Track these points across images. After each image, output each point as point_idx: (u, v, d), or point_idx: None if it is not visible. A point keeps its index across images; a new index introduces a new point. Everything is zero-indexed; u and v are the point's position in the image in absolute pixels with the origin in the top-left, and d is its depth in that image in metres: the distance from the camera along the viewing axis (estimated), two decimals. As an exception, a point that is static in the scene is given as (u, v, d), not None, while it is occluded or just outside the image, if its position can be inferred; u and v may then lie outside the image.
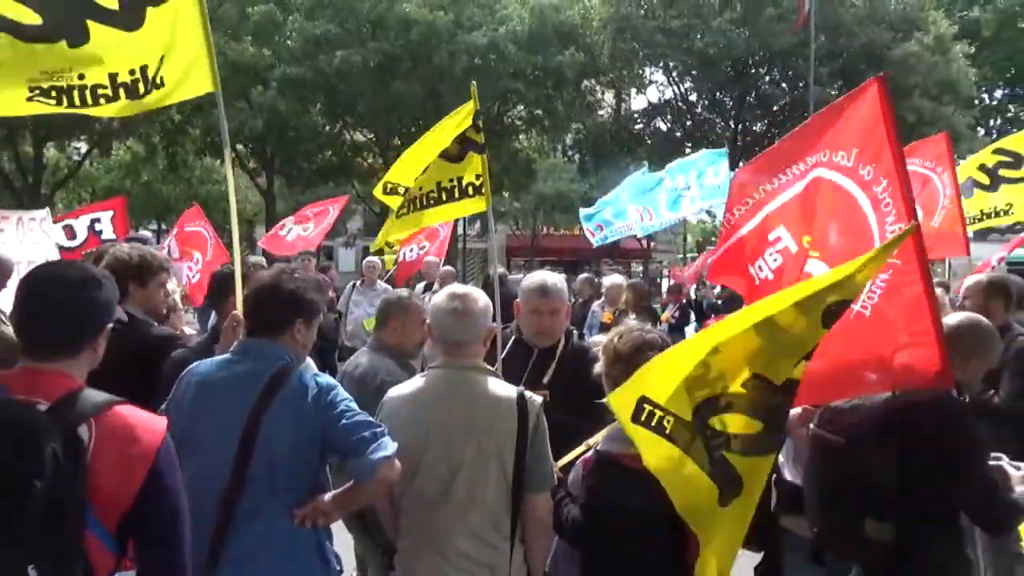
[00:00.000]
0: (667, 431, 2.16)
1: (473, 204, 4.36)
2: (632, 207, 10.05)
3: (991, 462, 2.57)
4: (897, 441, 2.52)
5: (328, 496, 2.27)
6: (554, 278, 3.37)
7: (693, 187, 9.63)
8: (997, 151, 7.23)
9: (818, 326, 2.19)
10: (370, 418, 2.26)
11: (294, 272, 2.44)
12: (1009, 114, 31.15)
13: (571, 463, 2.70)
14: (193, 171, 27.04)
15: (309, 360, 2.46)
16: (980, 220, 7.10)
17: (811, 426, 2.78)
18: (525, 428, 2.37)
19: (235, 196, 3.55)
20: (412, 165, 4.81)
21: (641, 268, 33.76)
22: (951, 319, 2.73)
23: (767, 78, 25.89)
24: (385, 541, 2.64)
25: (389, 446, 2.16)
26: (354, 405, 2.27)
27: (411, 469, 2.35)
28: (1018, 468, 2.57)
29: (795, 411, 2.79)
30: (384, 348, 3.34)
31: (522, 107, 24.03)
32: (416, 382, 2.53)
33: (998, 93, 31.41)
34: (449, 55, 20.33)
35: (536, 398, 2.46)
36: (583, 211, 11.25)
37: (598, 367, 2.69)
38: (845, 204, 2.81)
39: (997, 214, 7.09)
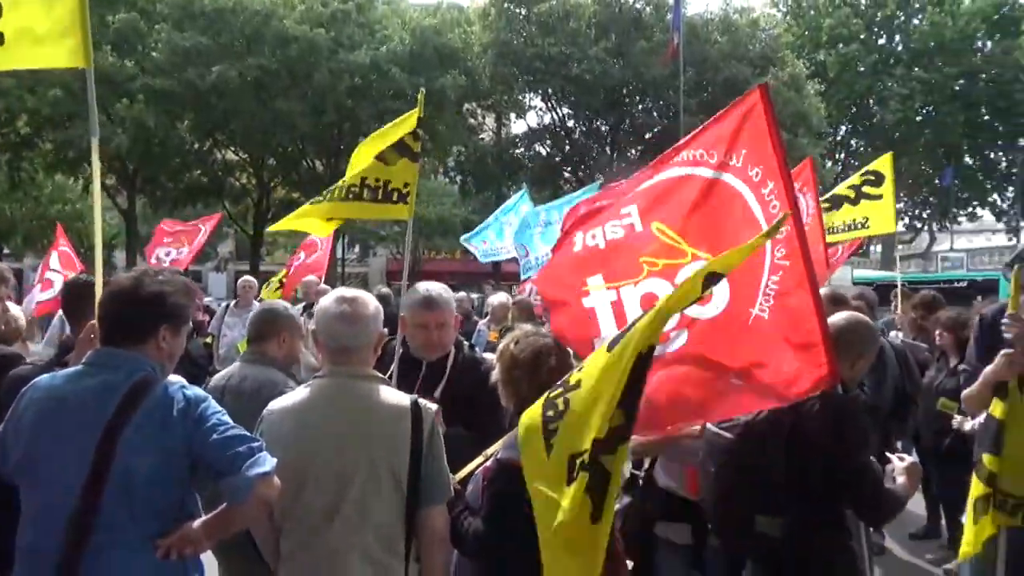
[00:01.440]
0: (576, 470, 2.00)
1: (395, 210, 4.14)
2: (512, 241, 10.16)
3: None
4: (787, 439, 2.56)
5: (197, 523, 2.02)
6: (438, 288, 3.20)
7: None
8: (865, 173, 7.97)
9: (697, 289, 2.06)
10: (245, 432, 2.03)
11: (158, 273, 2.18)
12: (852, 148, 34.08)
13: (469, 476, 2.57)
14: (43, 189, 24.94)
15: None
16: (837, 231, 7.71)
17: (708, 426, 2.78)
18: (420, 437, 2.21)
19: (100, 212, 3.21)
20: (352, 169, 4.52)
21: (520, 297, 34.16)
22: (835, 319, 2.80)
23: (640, 107, 27.08)
24: (263, 570, 2.38)
25: (267, 462, 1.95)
26: (227, 419, 2.03)
27: (295, 486, 2.13)
28: (902, 459, 2.67)
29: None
30: (265, 361, 3.09)
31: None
32: (300, 392, 2.31)
33: (842, 128, 34.34)
34: (330, 73, 19.90)
35: (431, 406, 2.31)
36: (463, 237, 11.30)
37: (495, 375, 2.59)
38: (736, 205, 2.84)
39: (854, 227, 7.75)
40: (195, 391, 2.08)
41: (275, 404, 2.31)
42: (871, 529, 3.96)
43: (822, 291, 4.48)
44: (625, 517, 3.07)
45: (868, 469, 2.55)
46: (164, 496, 1.99)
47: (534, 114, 29.21)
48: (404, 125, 4.20)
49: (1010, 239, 33.86)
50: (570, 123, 28.55)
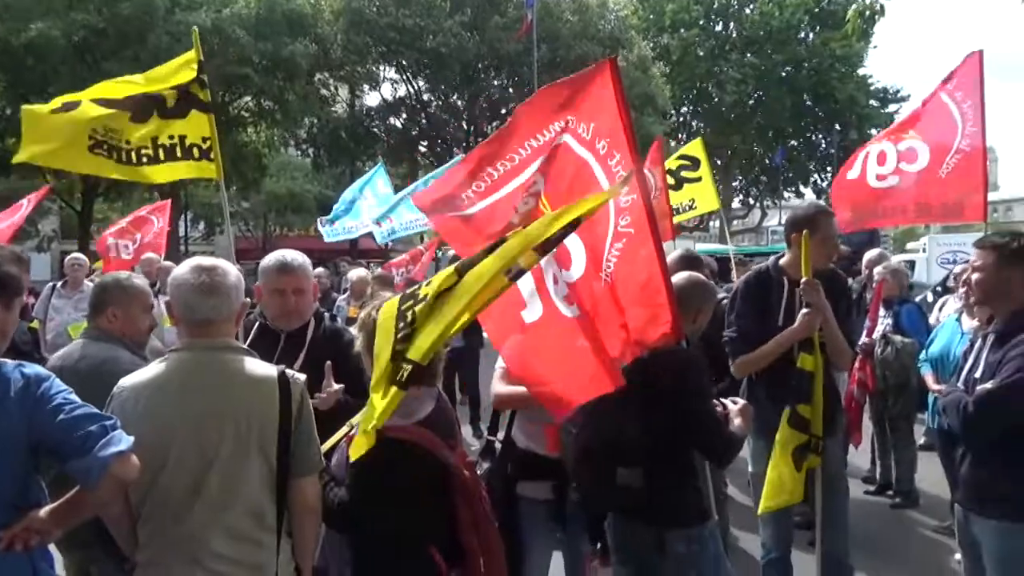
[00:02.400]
0: (403, 379, 2.15)
1: (200, 168, 3.94)
2: (370, 213, 10.06)
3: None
4: (640, 394, 2.73)
5: (44, 510, 1.88)
6: (293, 254, 3.16)
7: None
8: (680, 157, 8.64)
9: (554, 228, 2.19)
10: (96, 411, 1.90)
11: (-17, 243, 1.97)
12: (693, 129, 36.18)
13: (334, 448, 2.55)
14: None
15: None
16: (678, 213, 8.37)
17: None
18: (289, 409, 2.16)
19: None
20: (108, 93, 4.08)
21: (379, 271, 33.70)
22: (676, 279, 2.98)
23: (496, 82, 27.27)
24: (119, 559, 2.25)
25: (123, 440, 1.84)
26: (74, 397, 1.90)
27: (154, 467, 2.02)
28: (735, 403, 2.93)
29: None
30: (105, 337, 2.86)
31: (250, 97, 22.61)
32: (155, 367, 2.18)
33: (684, 110, 36.35)
34: (167, 35, 18.42)
35: (299, 376, 2.26)
36: (320, 221, 11.02)
37: (358, 344, 2.57)
38: (584, 175, 2.93)
39: (685, 208, 8.56)
40: (35, 369, 1.92)
41: (127, 381, 2.17)
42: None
43: (678, 252, 4.80)
44: (487, 480, 3.14)
45: (712, 414, 2.79)
46: (3, 484, 1.83)
47: (389, 86, 28.70)
48: (181, 72, 3.97)
49: (829, 214, 37.40)
50: (426, 97, 28.28)
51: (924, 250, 12.85)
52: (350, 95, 28.30)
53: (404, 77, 27.53)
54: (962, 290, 5.09)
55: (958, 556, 4.63)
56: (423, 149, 29.03)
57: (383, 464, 2.28)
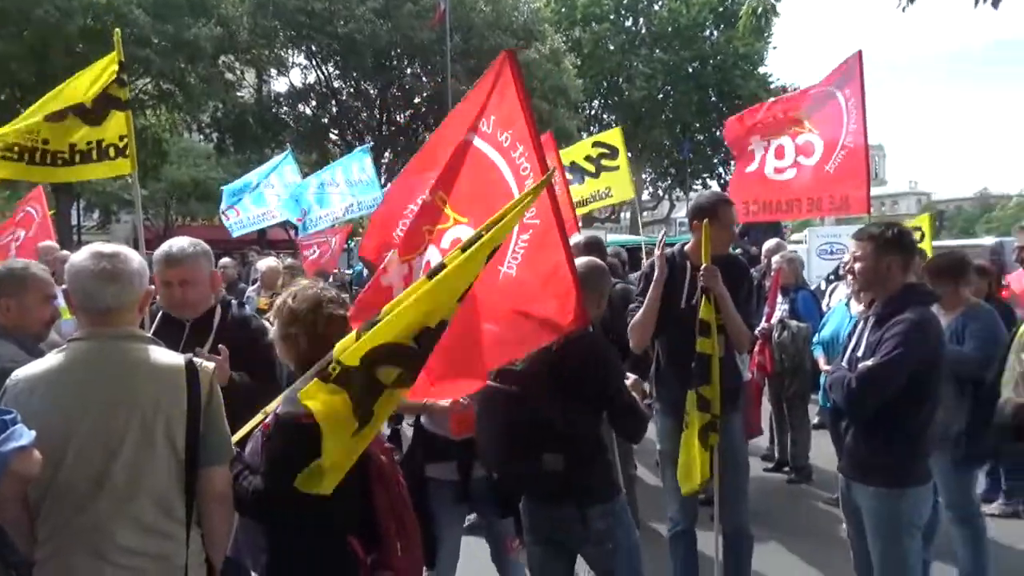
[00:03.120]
0: (331, 378, 2.13)
1: (116, 166, 3.90)
2: (278, 202, 9.85)
3: None
4: (563, 381, 2.81)
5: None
6: (183, 243, 3.07)
7: (341, 184, 9.76)
8: (596, 144, 8.76)
9: (480, 262, 2.22)
10: None
11: None
12: (604, 122, 36.86)
13: (247, 437, 2.52)
14: None
15: None
16: (588, 203, 8.47)
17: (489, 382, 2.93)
18: (197, 397, 2.11)
19: None
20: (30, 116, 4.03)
21: (289, 260, 32.86)
22: (578, 264, 3.02)
23: (408, 71, 26.96)
24: (16, 558, 2.15)
25: (24, 435, 1.77)
26: None
27: (54, 461, 1.94)
28: (628, 378, 3.06)
29: None
30: (-4, 331, 2.71)
31: (149, 79, 21.54)
32: (53, 359, 2.09)
33: (596, 103, 36.97)
34: (57, 11, 17.28)
35: (208, 364, 2.21)
36: (226, 188, 10.60)
37: (273, 332, 2.54)
38: (488, 170, 2.97)
39: (601, 196, 8.61)
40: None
41: (21, 372, 2.08)
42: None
43: (581, 238, 4.92)
44: (399, 465, 3.23)
45: (630, 395, 2.92)
46: None
47: (298, 72, 27.92)
48: (102, 74, 3.96)
49: (731, 206, 38.97)
50: (337, 84, 27.67)
51: (805, 241, 13.60)
52: (257, 80, 27.37)
53: (313, 63, 26.85)
54: (850, 277, 5.46)
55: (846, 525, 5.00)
56: (334, 137, 28.40)
57: (299, 452, 2.27)
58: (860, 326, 3.21)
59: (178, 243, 3.05)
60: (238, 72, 25.04)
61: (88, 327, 2.12)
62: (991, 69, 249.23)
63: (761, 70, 36.12)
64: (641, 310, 3.67)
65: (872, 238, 3.09)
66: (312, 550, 2.35)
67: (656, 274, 3.62)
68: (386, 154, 28.12)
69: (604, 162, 8.49)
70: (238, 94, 25.59)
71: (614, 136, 8.62)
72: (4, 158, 3.77)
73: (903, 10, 5.39)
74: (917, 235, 6.90)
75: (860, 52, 5.54)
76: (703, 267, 3.46)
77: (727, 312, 3.52)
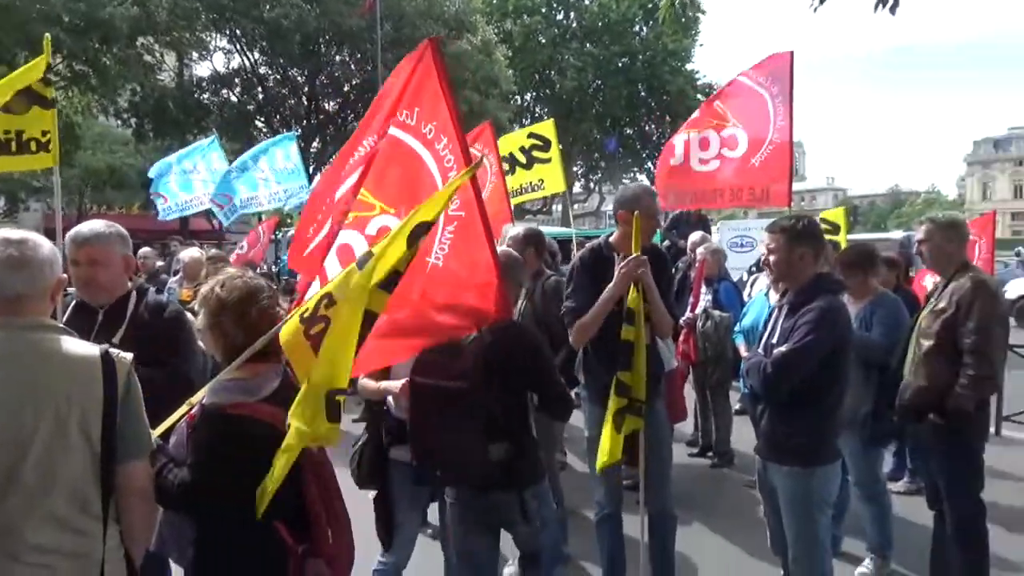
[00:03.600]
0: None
1: (37, 160, 3.94)
2: (205, 189, 9.58)
3: None
4: (490, 372, 2.85)
5: None
6: (96, 225, 3.03)
7: (266, 171, 9.56)
8: (531, 135, 8.79)
9: (401, 246, 2.29)
10: None
11: None
12: (536, 114, 37.07)
13: (170, 430, 2.46)
14: None
15: None
16: (520, 193, 8.52)
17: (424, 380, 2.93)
18: (114, 389, 2.04)
19: None
20: None
21: (213, 251, 31.90)
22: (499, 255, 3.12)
23: (337, 58, 26.47)
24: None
25: None
26: None
27: (-42, 458, 1.86)
28: None
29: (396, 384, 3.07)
30: None
31: (60, 59, 20.46)
32: (-44, 349, 1.99)
33: (528, 95, 37.14)
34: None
35: (126, 356, 2.14)
36: (153, 169, 10.23)
37: (199, 321, 2.48)
38: (412, 162, 2.96)
39: (533, 188, 8.66)
40: None
41: (-78, 364, 1.97)
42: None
43: (521, 230, 4.96)
44: (362, 447, 3.45)
45: (554, 381, 2.99)
46: None
47: (222, 57, 27.03)
48: (30, 73, 3.99)
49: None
50: (263, 70, 26.93)
51: (718, 233, 14.11)
52: (178, 64, 26.35)
53: (238, 47, 26.03)
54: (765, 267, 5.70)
55: (764, 505, 5.21)
56: (260, 125, 27.63)
57: (226, 442, 2.24)
58: (775, 314, 3.36)
59: (91, 224, 2.99)
60: (157, 55, 24.05)
61: (-5, 316, 2.02)
62: (896, 73, 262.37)
63: (689, 67, 36.98)
64: (590, 314, 3.65)
65: (784, 230, 3.23)
66: (241, 540, 2.32)
67: (612, 290, 3.59)
68: (315, 143, 27.56)
69: (536, 154, 8.54)
70: (158, 78, 24.57)
71: (547, 128, 8.66)
72: None
73: (814, 10, 5.58)
74: (833, 229, 7.24)
75: (791, 53, 5.75)
76: (633, 257, 3.54)
77: (653, 300, 3.61)
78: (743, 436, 6.49)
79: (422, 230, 2.32)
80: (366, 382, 3.31)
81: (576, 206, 33.72)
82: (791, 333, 3.08)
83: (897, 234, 16.00)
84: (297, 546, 2.41)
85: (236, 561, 2.32)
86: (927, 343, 3.65)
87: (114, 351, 2.13)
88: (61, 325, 2.16)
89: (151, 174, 10.18)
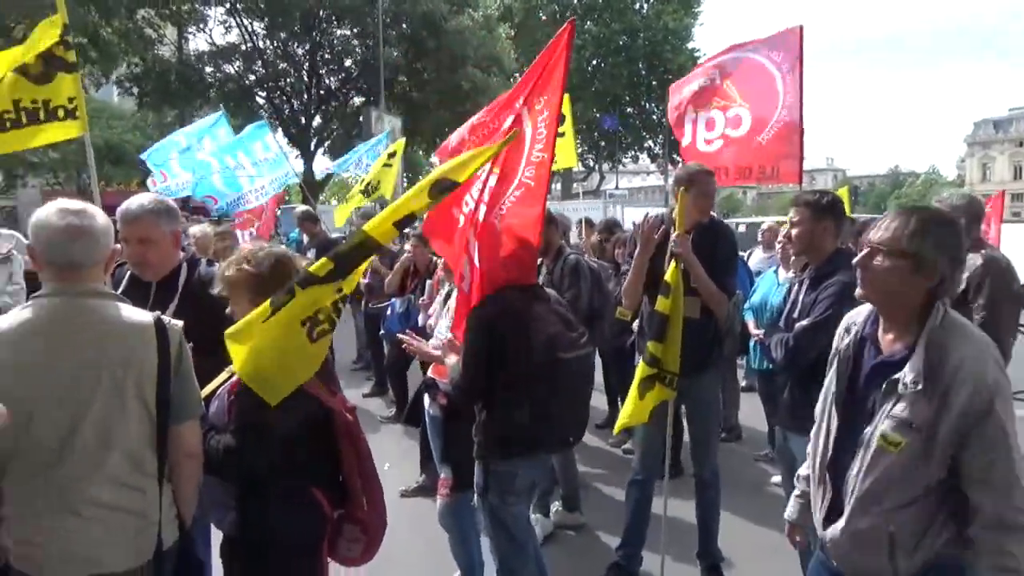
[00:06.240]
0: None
1: (65, 129, 3.87)
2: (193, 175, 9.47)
3: None
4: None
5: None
6: (141, 200, 3.02)
7: (247, 167, 9.47)
8: None
9: (423, 194, 2.48)
10: None
11: None
12: (537, 91, 36.82)
13: (211, 396, 2.52)
14: None
15: None
16: None
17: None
18: (167, 354, 2.11)
19: None
20: None
21: (220, 227, 31.74)
22: None
23: (338, 32, 26.26)
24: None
25: None
26: None
27: (23, 419, 1.92)
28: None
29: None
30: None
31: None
32: (18, 315, 2.04)
33: (528, 72, 36.88)
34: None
35: (176, 323, 2.21)
36: (149, 150, 10.10)
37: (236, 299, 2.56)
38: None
39: None
40: None
41: (-17, 329, 2.03)
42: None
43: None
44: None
45: (519, 360, 3.04)
46: None
47: (222, 30, 26.81)
48: (46, 36, 3.91)
49: (662, 179, 39.73)
50: (263, 44, 26.71)
51: None
52: (178, 37, 26.11)
53: (237, 21, 25.79)
54: (778, 244, 5.74)
55: (775, 479, 5.31)
56: (260, 99, 27.45)
57: (267, 410, 2.31)
58: (795, 289, 3.42)
59: (140, 199, 2.99)
60: (158, 29, 23.84)
61: (55, 283, 2.08)
62: (896, 54, 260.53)
63: (690, 45, 36.74)
64: (629, 279, 3.89)
65: (808, 204, 3.28)
66: (281, 506, 2.40)
67: (640, 247, 3.79)
68: (316, 118, 27.41)
69: None
70: (159, 52, 24.37)
71: (563, 103, 8.61)
72: None
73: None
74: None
75: (801, 27, 5.70)
76: (674, 235, 3.62)
77: (697, 276, 3.65)
78: (749, 412, 6.59)
79: (447, 185, 2.51)
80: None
81: (575, 185, 33.60)
82: (813, 306, 3.14)
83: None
84: (333, 511, 2.51)
85: (275, 526, 2.41)
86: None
87: (166, 318, 2.20)
88: (114, 292, 2.22)
89: (152, 152, 9.98)
